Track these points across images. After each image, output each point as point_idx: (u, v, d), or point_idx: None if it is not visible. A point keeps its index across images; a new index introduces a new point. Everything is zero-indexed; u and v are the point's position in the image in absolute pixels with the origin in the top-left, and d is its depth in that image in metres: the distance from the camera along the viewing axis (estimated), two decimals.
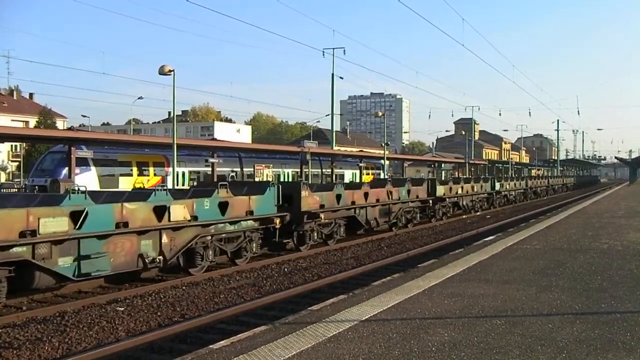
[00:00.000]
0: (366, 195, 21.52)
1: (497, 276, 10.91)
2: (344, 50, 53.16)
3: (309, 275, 14.70)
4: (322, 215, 18.01)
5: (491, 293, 9.36)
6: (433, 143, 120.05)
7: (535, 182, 57.39)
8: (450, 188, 30.39)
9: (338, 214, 19.73)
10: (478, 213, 34.69)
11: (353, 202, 20.56)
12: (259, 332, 7.35)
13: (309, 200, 17.89)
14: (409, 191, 25.19)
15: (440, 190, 28.65)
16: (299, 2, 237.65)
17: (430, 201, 27.33)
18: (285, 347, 6.58)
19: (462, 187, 32.44)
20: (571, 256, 13.37)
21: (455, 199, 31.37)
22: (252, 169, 41.71)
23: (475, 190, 34.87)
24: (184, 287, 12.97)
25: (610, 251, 14.24)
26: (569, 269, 11.69)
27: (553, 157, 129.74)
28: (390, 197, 23.38)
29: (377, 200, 22.34)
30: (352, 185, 23.18)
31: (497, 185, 40.35)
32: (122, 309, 11.01)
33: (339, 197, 19.64)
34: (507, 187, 44.39)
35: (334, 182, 34.39)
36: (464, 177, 44.69)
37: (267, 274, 14.79)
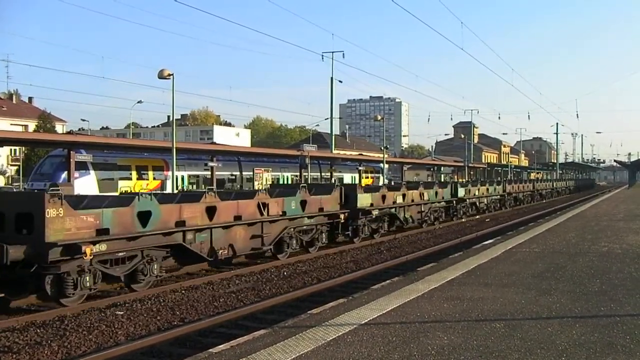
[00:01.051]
0: (212, 211, 14.47)
1: (496, 280, 10.92)
2: (343, 54, 53.60)
3: (308, 279, 14.70)
4: (88, 249, 10.96)
5: (490, 296, 9.37)
6: (432, 146, 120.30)
7: (516, 186, 48.11)
8: (383, 196, 23.24)
9: (141, 243, 12.55)
10: (424, 228, 27.19)
11: (181, 223, 13.51)
12: (258, 335, 7.36)
13: (67, 223, 10.92)
14: (303, 203, 18.06)
15: (365, 199, 21.72)
16: (299, 6, 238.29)
17: (342, 215, 19.91)
18: (285, 351, 6.58)
19: (402, 195, 24.97)
20: (570, 259, 13.38)
21: (393, 209, 24.17)
22: (252, 173, 41.76)
23: (426, 198, 27.44)
24: (183, 291, 12.96)
25: (610, 254, 14.26)
26: (568, 272, 11.70)
27: (552, 161, 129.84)
28: (264, 213, 16.30)
29: (238, 218, 15.37)
30: (190, 195, 15.97)
31: (461, 192, 32.65)
32: (122, 312, 11.00)
33: (145, 215, 12.61)
34: (476, 193, 35.87)
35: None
36: (407, 182, 37.11)
37: (267, 277, 14.78)
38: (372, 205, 22.03)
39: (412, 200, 25.99)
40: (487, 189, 38.33)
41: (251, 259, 17.07)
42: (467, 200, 33.66)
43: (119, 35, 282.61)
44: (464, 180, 58.41)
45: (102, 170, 33.25)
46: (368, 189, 23.82)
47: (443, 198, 29.85)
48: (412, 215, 25.92)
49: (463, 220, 32.19)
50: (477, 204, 36.11)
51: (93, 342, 9.22)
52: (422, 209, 27.12)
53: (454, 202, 31.38)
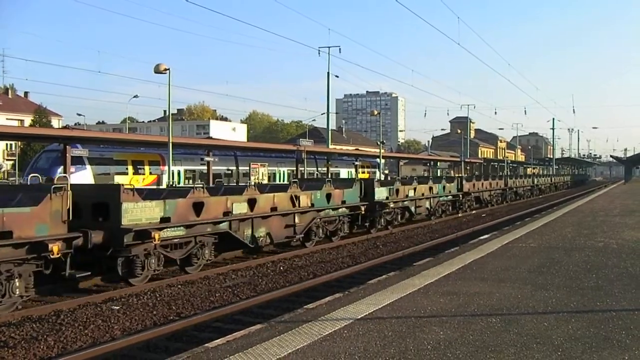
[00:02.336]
0: None
1: (492, 274, 10.93)
2: (340, 49, 53.41)
3: (304, 273, 14.69)
4: None
5: (487, 291, 9.38)
6: (429, 142, 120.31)
7: (479, 184, 37.60)
8: (199, 205, 14.23)
9: None
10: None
11: None
12: (254, 330, 7.35)
13: None
14: None
15: (143, 212, 12.72)
16: (295, 1, 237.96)
17: (56, 247, 10.68)
18: (281, 346, 6.58)
19: (249, 202, 15.83)
20: (566, 254, 13.41)
21: (225, 224, 15.05)
22: (248, 168, 41.73)
23: (305, 204, 18.20)
24: (179, 286, 12.95)
25: (606, 249, 14.29)
26: (564, 267, 11.72)
27: (549, 156, 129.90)
28: None
29: None
30: None
31: (382, 193, 23.26)
32: (118, 307, 10.99)
33: None
34: (411, 194, 26.18)
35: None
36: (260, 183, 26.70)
37: (263, 272, 14.77)
38: (165, 221, 13.16)
39: (274, 209, 16.87)
40: (431, 188, 28.78)
41: None
42: (393, 204, 24.05)
43: (115, 29, 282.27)
44: (459, 175, 57.23)
45: (98, 165, 33.18)
46: (175, 192, 15.62)
47: (344, 203, 20.63)
48: (271, 231, 16.62)
49: (381, 234, 22.84)
50: (413, 208, 26.61)
51: (89, 337, 9.20)
52: (297, 221, 17.72)
53: (363, 208, 21.53)
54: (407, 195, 25.80)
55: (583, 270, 11.30)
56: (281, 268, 15.39)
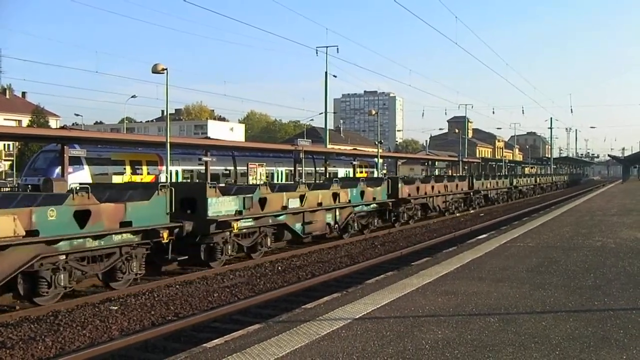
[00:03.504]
0: None
1: (490, 274, 10.93)
2: (337, 49, 53.32)
3: (302, 273, 14.70)
4: None
5: (485, 291, 9.38)
6: (426, 141, 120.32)
7: (428, 188, 28.79)
8: None
9: None
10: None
11: None
12: (252, 330, 7.34)
13: None
14: None
15: None
16: (293, 1, 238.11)
17: None
18: (279, 346, 6.57)
19: None
20: (564, 254, 13.41)
21: None
22: (246, 168, 41.70)
23: (7, 232, 9.65)
24: (177, 286, 12.94)
25: (604, 249, 14.30)
26: (562, 266, 11.72)
27: (547, 155, 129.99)
28: None
29: None
30: None
31: (223, 205, 14.95)
32: (116, 308, 10.98)
33: None
34: (292, 204, 17.58)
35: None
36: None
37: (261, 272, 14.77)
38: None
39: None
40: (336, 195, 19.99)
41: None
42: (253, 220, 16.02)
43: (113, 29, 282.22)
44: (457, 174, 55.95)
45: (96, 165, 33.11)
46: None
47: (128, 225, 12.22)
48: None
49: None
50: (299, 225, 17.97)
51: (87, 337, 9.20)
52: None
53: (166, 234, 12.79)
54: (284, 207, 17.25)
55: (581, 270, 11.31)
56: (279, 268, 15.39)
